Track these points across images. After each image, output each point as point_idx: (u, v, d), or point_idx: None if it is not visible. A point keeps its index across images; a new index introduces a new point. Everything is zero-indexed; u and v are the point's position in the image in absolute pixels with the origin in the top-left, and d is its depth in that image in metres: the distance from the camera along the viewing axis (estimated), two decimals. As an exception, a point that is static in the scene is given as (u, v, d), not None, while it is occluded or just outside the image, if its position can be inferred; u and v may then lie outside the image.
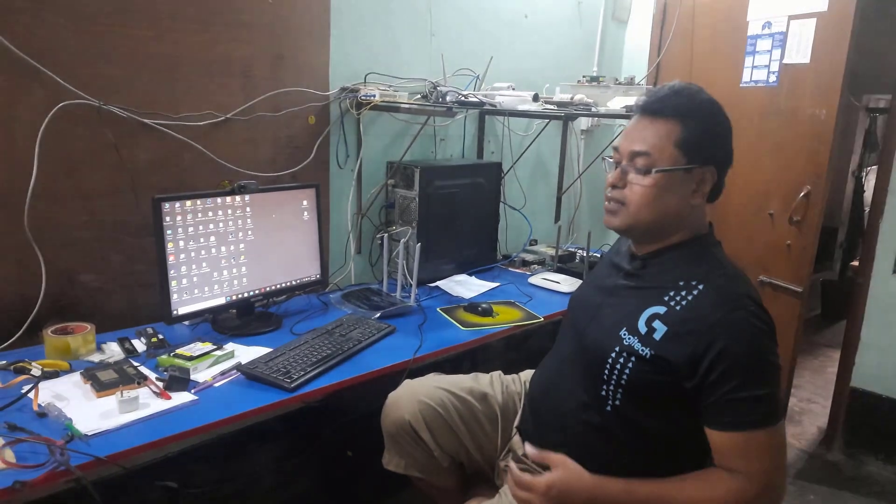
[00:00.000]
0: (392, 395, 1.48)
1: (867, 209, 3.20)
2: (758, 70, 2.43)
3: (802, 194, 2.27)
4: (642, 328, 1.13)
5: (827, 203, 2.28)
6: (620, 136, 1.23)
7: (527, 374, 1.56)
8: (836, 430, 2.67)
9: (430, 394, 1.43)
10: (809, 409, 3.02)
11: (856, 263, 2.66)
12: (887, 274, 2.44)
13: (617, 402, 1.16)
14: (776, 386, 1.07)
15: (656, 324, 1.11)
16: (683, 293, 1.11)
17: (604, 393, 1.17)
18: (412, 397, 1.43)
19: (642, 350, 1.11)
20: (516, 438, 1.40)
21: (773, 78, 2.37)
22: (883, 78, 3.06)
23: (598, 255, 2.36)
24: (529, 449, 1.10)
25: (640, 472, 1.17)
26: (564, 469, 1.11)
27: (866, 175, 3.81)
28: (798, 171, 2.29)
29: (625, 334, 1.15)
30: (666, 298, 1.12)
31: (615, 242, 1.48)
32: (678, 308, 1.10)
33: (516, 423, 1.45)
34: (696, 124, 1.13)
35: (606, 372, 1.16)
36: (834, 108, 2.17)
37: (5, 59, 1.46)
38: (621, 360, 1.14)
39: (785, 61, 2.32)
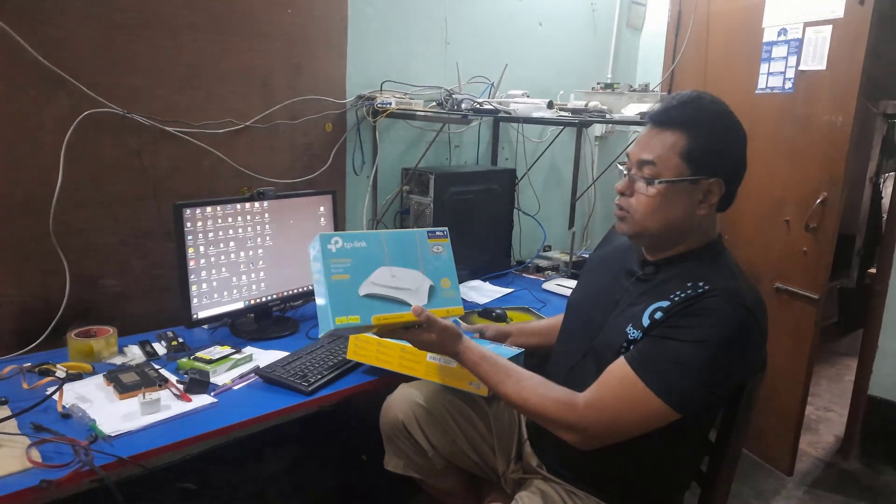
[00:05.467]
0: (388, 398, 1.49)
1: (885, 216, 3.17)
2: (773, 77, 2.42)
3: (819, 201, 2.25)
4: (646, 321, 1.14)
5: (844, 210, 2.26)
6: (633, 144, 1.24)
7: None
8: (854, 438, 2.64)
9: (423, 395, 1.44)
10: (826, 417, 2.99)
11: (873, 271, 2.63)
12: (905, 281, 2.41)
13: None
14: (697, 380, 1.05)
15: (658, 315, 1.12)
16: (689, 291, 1.11)
17: None
18: (406, 399, 1.45)
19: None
20: (528, 449, 1.41)
21: (788, 84, 2.36)
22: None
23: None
24: (417, 309, 1.16)
25: (645, 476, 1.21)
26: (445, 334, 1.19)
27: (884, 181, 3.77)
28: (814, 178, 2.28)
29: (630, 329, 1.16)
30: (671, 296, 1.13)
31: (605, 239, 1.49)
32: (678, 301, 1.11)
33: (525, 433, 1.45)
34: (702, 136, 1.13)
35: None
36: (850, 115, 2.15)
37: (32, 69, 1.50)
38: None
39: (801, 68, 2.31)
